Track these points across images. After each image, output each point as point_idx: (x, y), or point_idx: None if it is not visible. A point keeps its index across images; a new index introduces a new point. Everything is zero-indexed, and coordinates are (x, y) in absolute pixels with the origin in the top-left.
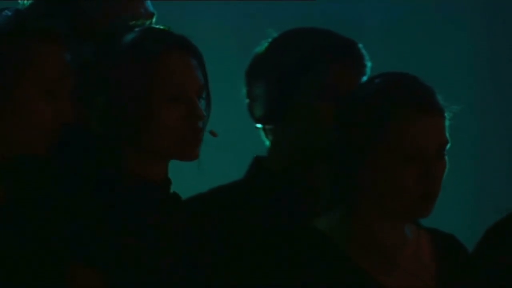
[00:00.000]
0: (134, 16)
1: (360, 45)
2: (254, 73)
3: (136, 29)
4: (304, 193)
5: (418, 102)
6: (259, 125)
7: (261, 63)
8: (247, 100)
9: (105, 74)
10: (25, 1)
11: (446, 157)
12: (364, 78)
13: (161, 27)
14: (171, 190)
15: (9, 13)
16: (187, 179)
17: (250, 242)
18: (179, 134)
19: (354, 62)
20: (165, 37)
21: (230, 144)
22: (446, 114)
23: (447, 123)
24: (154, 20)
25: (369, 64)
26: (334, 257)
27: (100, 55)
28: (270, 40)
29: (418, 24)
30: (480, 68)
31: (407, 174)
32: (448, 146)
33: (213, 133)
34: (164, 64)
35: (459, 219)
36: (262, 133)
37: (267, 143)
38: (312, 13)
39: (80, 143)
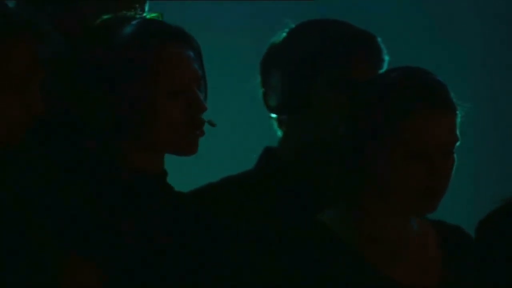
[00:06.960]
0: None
1: (379, 39)
2: (271, 63)
3: (132, 23)
4: (316, 184)
5: (430, 100)
6: (273, 115)
7: (278, 53)
8: (261, 90)
9: (102, 69)
10: None
11: (455, 155)
12: (381, 72)
13: (157, 18)
14: (168, 182)
15: None
16: (190, 171)
17: (258, 234)
18: (181, 128)
19: (373, 55)
20: (160, 30)
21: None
22: (458, 112)
23: (458, 120)
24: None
25: (386, 58)
26: (338, 249)
27: (94, 49)
28: (287, 30)
29: (419, 21)
30: (475, 65)
31: (413, 170)
32: (458, 143)
33: (211, 123)
34: (161, 59)
35: (458, 214)
36: (275, 123)
37: (279, 133)
38: (314, 12)
39: (73, 134)
